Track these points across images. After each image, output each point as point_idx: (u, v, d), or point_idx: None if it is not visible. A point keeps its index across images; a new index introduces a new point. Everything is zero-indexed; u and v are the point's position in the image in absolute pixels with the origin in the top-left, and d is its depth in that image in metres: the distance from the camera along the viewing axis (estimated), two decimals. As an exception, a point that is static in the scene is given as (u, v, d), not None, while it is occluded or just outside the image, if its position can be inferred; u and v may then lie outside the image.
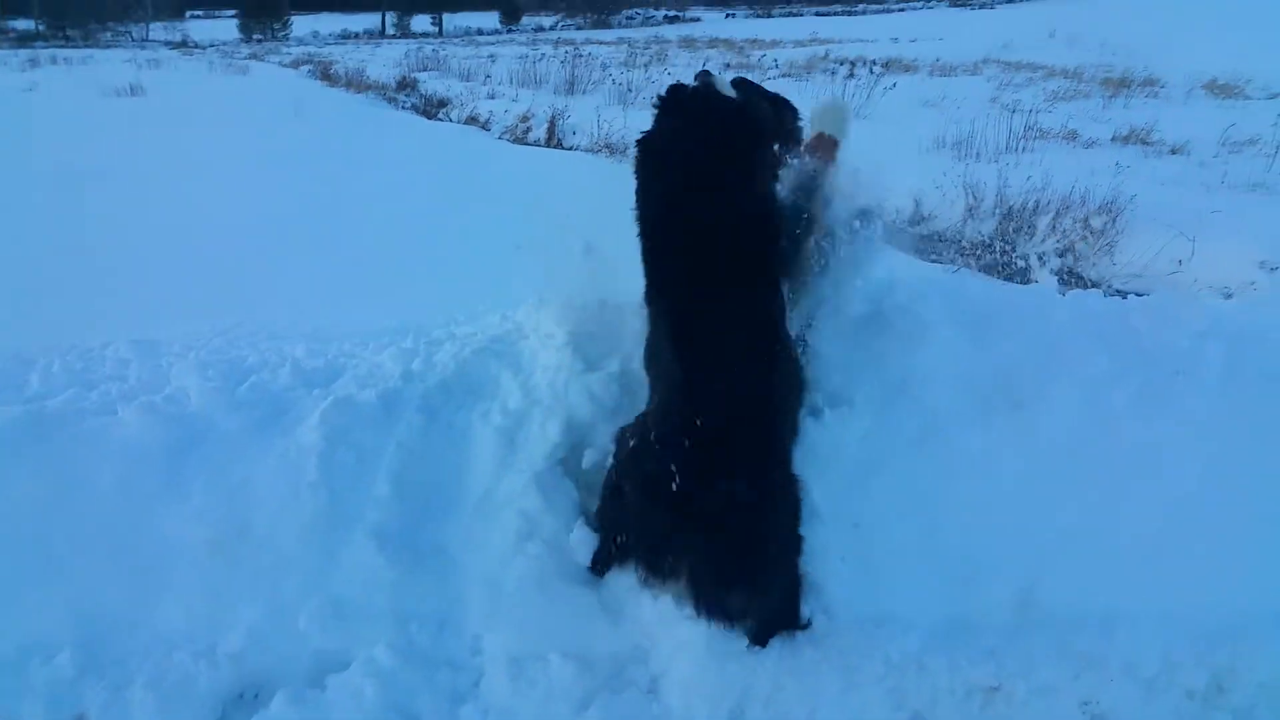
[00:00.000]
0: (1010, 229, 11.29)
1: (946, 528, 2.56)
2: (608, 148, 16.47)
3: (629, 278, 3.81)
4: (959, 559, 2.53)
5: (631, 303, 3.41)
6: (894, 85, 18.86)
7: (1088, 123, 15.39)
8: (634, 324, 3.12)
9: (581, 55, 26.57)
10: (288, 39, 58.63)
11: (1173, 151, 12.88)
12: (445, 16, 68.24)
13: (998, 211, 11.62)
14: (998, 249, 10.94)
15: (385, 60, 34.32)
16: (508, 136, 19.15)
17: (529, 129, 19.32)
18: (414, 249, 8.15)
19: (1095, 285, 9.47)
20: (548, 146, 18.05)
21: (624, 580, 2.52)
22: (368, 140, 16.51)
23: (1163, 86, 20.35)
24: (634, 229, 2.73)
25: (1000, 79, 23.62)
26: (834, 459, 2.63)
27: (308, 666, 2.44)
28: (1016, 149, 13.78)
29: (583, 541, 2.48)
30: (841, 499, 2.56)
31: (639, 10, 71.13)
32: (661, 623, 2.41)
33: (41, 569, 2.53)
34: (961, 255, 11.08)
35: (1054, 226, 10.85)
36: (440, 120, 21.99)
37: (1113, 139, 13.98)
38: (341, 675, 2.40)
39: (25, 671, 2.37)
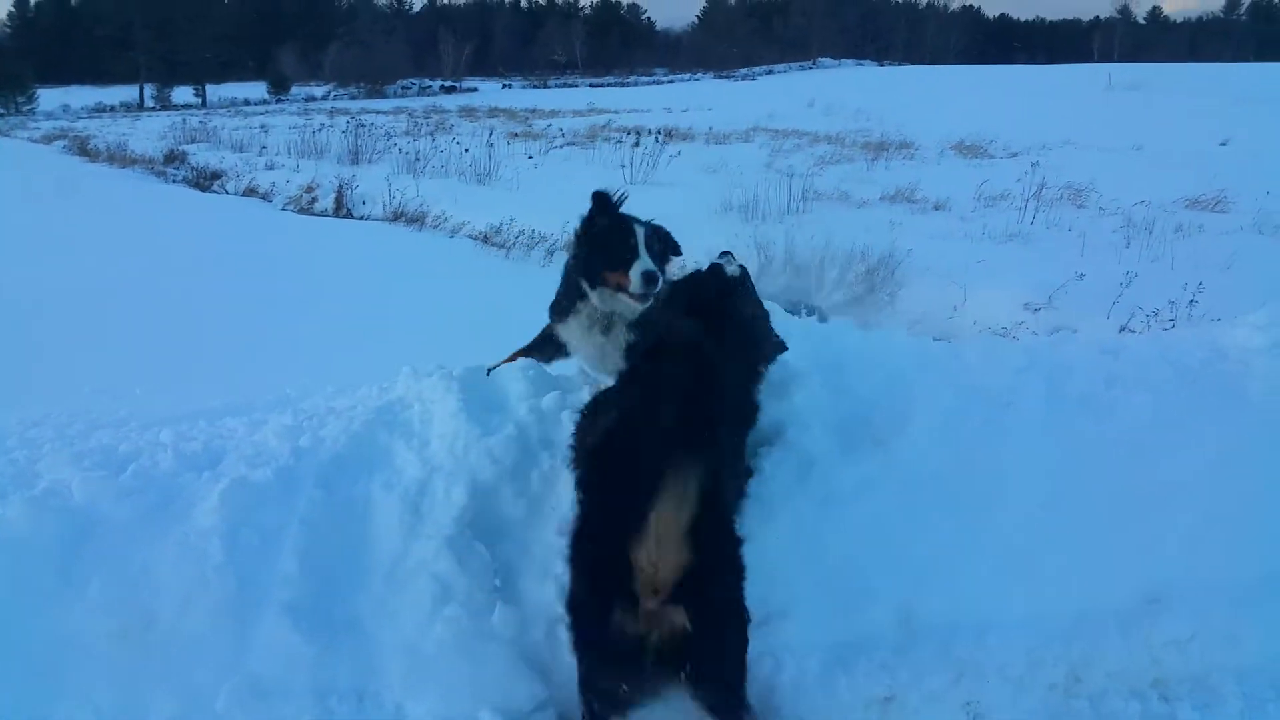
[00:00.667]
0: (799, 284, 12.13)
1: (831, 559, 2.78)
2: (402, 216, 16.40)
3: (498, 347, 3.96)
4: (845, 585, 2.76)
5: (512, 369, 3.55)
6: (678, 153, 19.78)
7: (856, 184, 16.70)
8: (519, 388, 3.23)
9: (364, 125, 26.28)
10: (34, 113, 54.60)
11: (936, 208, 14.19)
12: (209, 87, 65.71)
13: (788, 267, 12.46)
14: (793, 302, 11.73)
15: (148, 133, 32.68)
16: (292, 207, 18.62)
17: (314, 199, 18.88)
18: (231, 325, 7.88)
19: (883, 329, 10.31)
20: (336, 216, 17.76)
21: (540, 634, 2.58)
22: (142, 215, 15.67)
23: (917, 149, 22.37)
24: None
25: (771, 145, 25.22)
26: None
27: (227, 753, 2.37)
28: (797, 210, 14.75)
29: (506, 621, 2.52)
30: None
31: (413, 80, 71.03)
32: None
33: None
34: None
35: (840, 279, 11.74)
36: (216, 193, 21.17)
37: (881, 198, 15.25)
38: (267, 757, 2.34)
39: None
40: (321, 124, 28.86)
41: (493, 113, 42.48)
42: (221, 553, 2.52)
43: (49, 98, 59.28)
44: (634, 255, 3.51)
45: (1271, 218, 12.16)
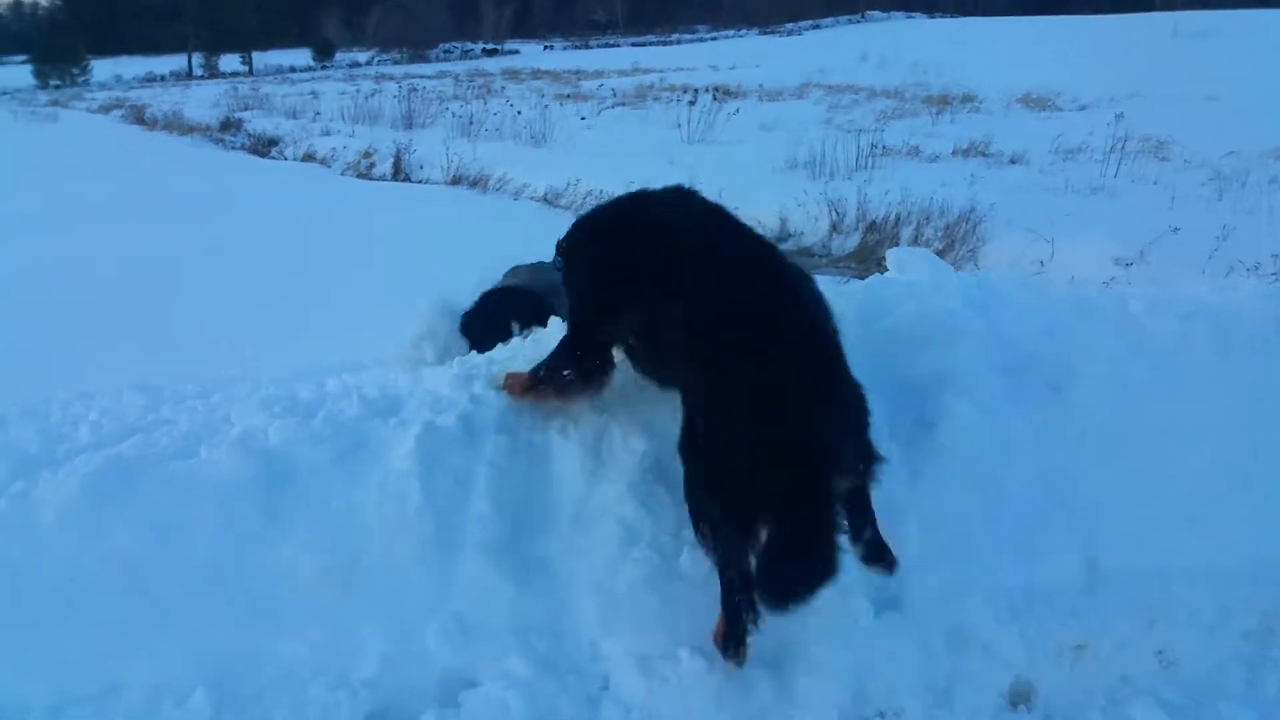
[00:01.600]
0: (873, 241, 12.01)
1: (1011, 506, 2.77)
2: (462, 180, 16.46)
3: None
4: (1026, 532, 2.75)
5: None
6: (737, 111, 19.56)
7: (925, 139, 16.44)
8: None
9: (416, 89, 26.31)
10: (88, 84, 55.24)
11: (1012, 161, 13.94)
12: (255, 55, 66.04)
13: (861, 225, 12.34)
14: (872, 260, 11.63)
15: (201, 101, 32.97)
16: (351, 172, 18.76)
17: (372, 164, 18.99)
18: (320, 285, 8.01)
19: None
20: (395, 180, 17.87)
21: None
22: (212, 180, 15.88)
23: (981, 102, 21.93)
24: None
25: (828, 101, 24.87)
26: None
27: (438, 686, 2.42)
28: (865, 166, 14.57)
29: (695, 562, 2.55)
30: (912, 488, 2.75)
31: (455, 44, 70.80)
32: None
33: (154, 614, 2.39)
34: (835, 267, 11.70)
35: (917, 236, 11.61)
36: (275, 159, 21.39)
37: (953, 152, 15.00)
38: (478, 691, 2.39)
39: (159, 714, 2.27)
40: (373, 89, 28.94)
41: (536, 74, 42.29)
42: (420, 494, 2.57)
43: (101, 68, 59.97)
44: None
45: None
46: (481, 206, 13.83)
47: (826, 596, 2.27)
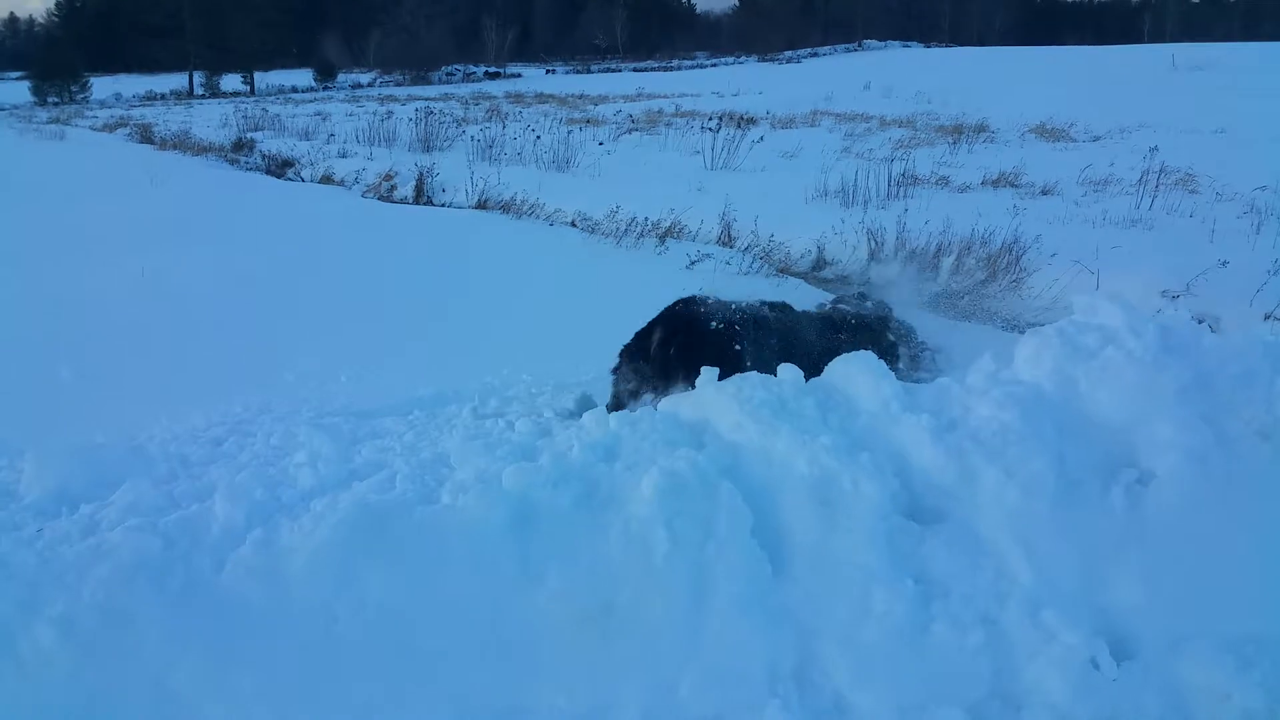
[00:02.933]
0: (912, 270, 12.07)
1: (1232, 552, 2.79)
2: (486, 204, 16.46)
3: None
4: (1248, 581, 2.76)
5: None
6: (761, 139, 19.66)
7: (950, 169, 16.57)
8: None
9: (433, 112, 26.38)
10: (88, 101, 55.16)
11: (1044, 192, 14.04)
12: (256, 75, 66.16)
13: (900, 254, 12.39)
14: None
15: (207, 121, 32.92)
16: (372, 195, 18.74)
17: (393, 186, 18.97)
18: (387, 312, 7.99)
19: (1007, 319, 10.26)
20: (417, 203, 17.87)
21: (976, 627, 2.59)
22: (236, 203, 15.80)
23: (995, 132, 22.13)
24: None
25: (842, 129, 25.06)
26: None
27: (694, 737, 2.42)
28: (897, 195, 14.66)
29: (944, 613, 2.53)
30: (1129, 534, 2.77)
31: (458, 66, 71.13)
32: (1031, 651, 2.52)
33: (413, 664, 2.38)
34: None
35: (958, 266, 11.67)
36: (292, 180, 21.35)
37: (983, 183, 15.10)
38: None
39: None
40: (386, 111, 28.99)
41: (541, 98, 42.40)
42: (666, 542, 2.57)
43: (100, 86, 59.93)
44: None
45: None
46: (521, 231, 13.76)
47: (1070, 644, 2.27)
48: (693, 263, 11.72)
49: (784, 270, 12.04)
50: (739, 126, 19.63)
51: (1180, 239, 11.09)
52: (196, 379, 6.14)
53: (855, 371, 3.17)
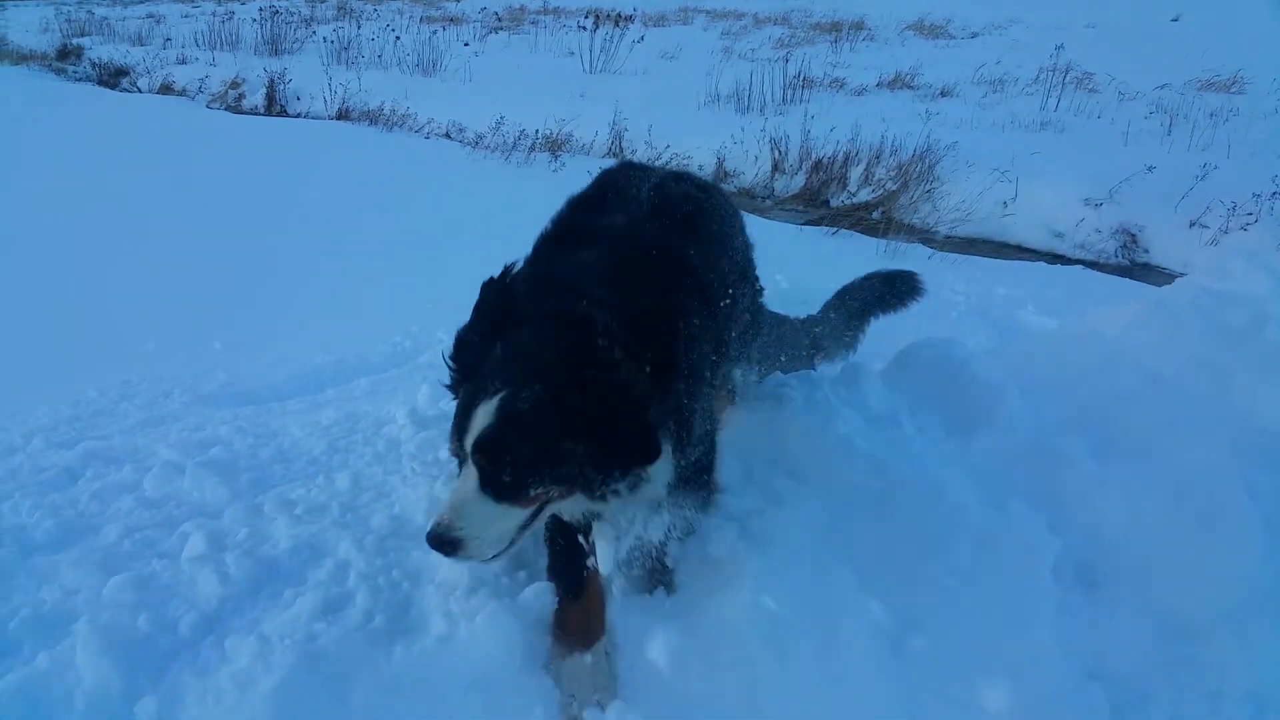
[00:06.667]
0: (819, 181, 11.41)
1: None
2: (348, 114, 14.97)
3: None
4: None
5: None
6: (642, 38, 18.51)
7: (841, 70, 15.88)
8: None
9: (279, 11, 24.05)
10: None
11: (942, 94, 13.53)
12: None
13: (805, 164, 11.71)
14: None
15: (25, 25, 29.36)
16: (218, 105, 16.94)
17: (241, 95, 17.15)
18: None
19: (924, 233, 9.74)
20: (269, 114, 16.20)
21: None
22: (79, 119, 13.88)
23: (873, 29, 21.49)
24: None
25: (717, 28, 24.08)
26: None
27: None
28: (792, 99, 13.93)
29: None
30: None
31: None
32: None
33: None
34: (781, 210, 11.06)
35: (868, 176, 11.07)
36: (127, 90, 19.14)
37: (878, 84, 14.49)
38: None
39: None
40: (230, 11, 26.37)
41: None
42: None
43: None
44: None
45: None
46: (397, 145, 12.41)
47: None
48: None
49: (689, 186, 11.21)
50: (616, 24, 18.38)
51: (1094, 142, 10.75)
52: (35, 358, 4.98)
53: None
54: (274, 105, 16.59)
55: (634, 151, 12.40)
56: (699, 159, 11.97)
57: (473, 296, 2.12)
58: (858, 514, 2.61)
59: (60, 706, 1.91)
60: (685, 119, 13.44)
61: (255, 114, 16.20)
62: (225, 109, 16.83)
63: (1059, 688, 2.39)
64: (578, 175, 11.78)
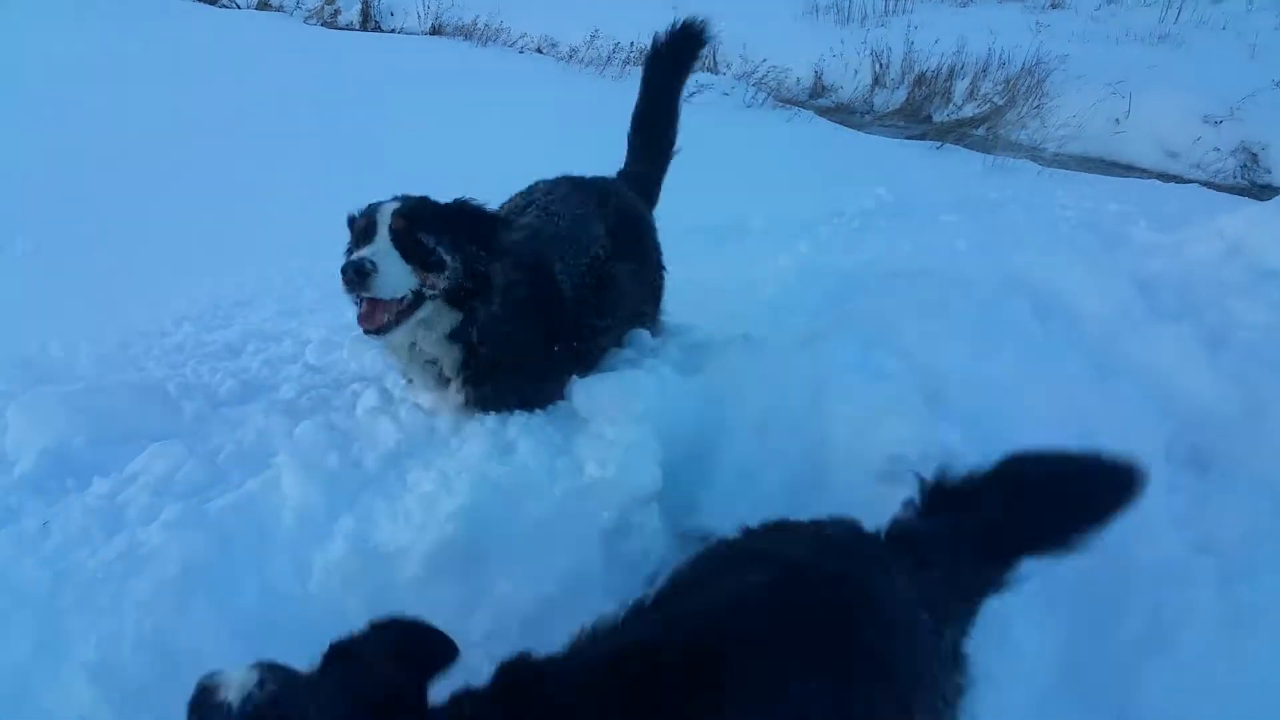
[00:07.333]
0: (921, 96, 11.20)
1: None
2: (442, 29, 15.03)
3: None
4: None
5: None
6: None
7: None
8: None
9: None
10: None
11: (1053, 5, 13.03)
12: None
13: (908, 78, 11.48)
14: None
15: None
16: (314, 21, 17.14)
17: (337, 11, 17.32)
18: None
19: (1031, 149, 9.53)
20: (364, 30, 16.36)
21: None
22: (174, 35, 14.22)
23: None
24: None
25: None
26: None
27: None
28: (894, 10, 13.59)
29: None
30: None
31: None
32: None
33: None
34: (880, 125, 10.92)
35: (973, 91, 10.82)
36: (226, 7, 19.45)
37: (984, -5, 14.02)
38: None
39: None
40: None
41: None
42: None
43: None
44: (362, 243, 2.69)
45: None
46: (502, 66, 12.39)
47: None
48: (690, 95, 10.54)
49: (788, 101, 11.11)
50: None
51: (1216, 56, 10.29)
52: (170, 257, 5.28)
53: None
54: (369, 21, 16.72)
55: (729, 65, 12.28)
56: (796, 72, 11.82)
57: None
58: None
59: (271, 520, 2.18)
60: (782, 30, 13.21)
61: (350, 29, 16.33)
62: (321, 24, 16.99)
63: (1168, 558, 2.50)
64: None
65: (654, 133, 3.69)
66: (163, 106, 8.89)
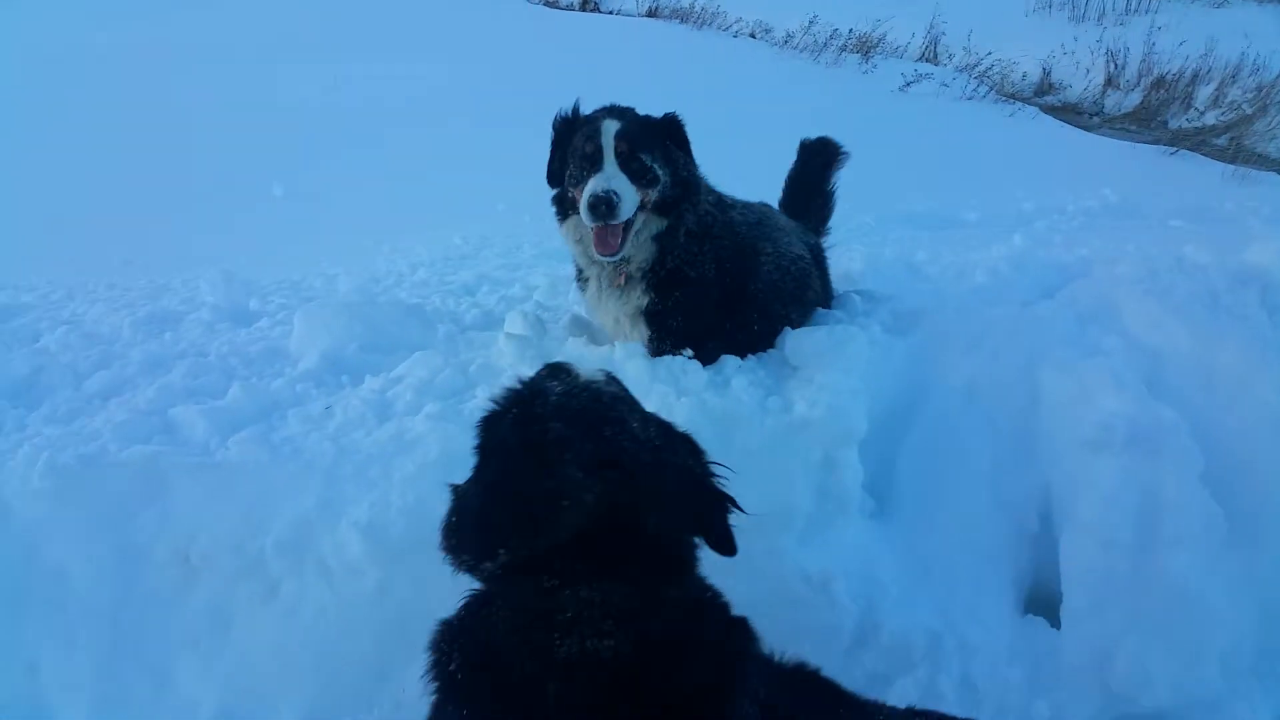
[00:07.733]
0: (1158, 101, 10.63)
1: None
2: (658, 12, 15.24)
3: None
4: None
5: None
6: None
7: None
8: None
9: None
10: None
11: (1322, 9, 12.11)
12: None
13: (1144, 81, 10.93)
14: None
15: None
16: (536, 1, 17.79)
17: (557, -11, 17.96)
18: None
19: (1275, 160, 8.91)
20: (584, 10, 16.81)
21: None
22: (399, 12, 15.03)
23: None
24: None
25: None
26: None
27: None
28: (1137, 8, 12.92)
29: None
30: None
31: None
32: None
33: None
34: (1110, 128, 10.45)
35: (1217, 98, 10.19)
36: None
37: (1243, -3, 13.13)
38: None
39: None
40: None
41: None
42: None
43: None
44: (592, 168, 2.77)
45: None
46: (715, 49, 12.51)
47: None
48: (907, 84, 10.52)
49: (1011, 95, 10.78)
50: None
51: None
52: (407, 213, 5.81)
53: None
54: (588, 2, 17.19)
55: (950, 57, 12.01)
56: (1022, 66, 11.46)
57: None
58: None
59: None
60: (1011, 25, 12.81)
61: (570, 9, 16.79)
62: (544, 4, 17.56)
63: None
64: (889, 78, 11.56)
65: (813, 206, 3.80)
66: (398, 76, 9.58)
